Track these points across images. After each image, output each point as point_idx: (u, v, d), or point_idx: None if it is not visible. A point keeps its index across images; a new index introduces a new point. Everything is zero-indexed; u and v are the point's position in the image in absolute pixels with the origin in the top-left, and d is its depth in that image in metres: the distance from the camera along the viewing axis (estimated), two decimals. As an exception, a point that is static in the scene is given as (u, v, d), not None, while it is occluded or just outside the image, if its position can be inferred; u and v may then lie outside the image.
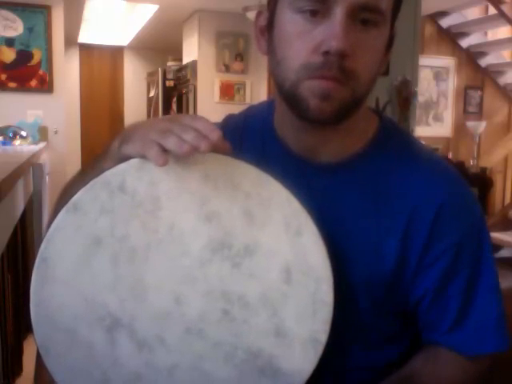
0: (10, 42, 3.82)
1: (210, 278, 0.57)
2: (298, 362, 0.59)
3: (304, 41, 0.59)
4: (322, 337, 0.59)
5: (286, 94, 0.63)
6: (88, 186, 0.57)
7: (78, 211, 0.57)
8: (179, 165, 0.57)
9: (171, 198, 0.57)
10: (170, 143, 0.54)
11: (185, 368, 0.58)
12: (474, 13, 4.95)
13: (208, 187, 0.57)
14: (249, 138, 0.74)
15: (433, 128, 4.99)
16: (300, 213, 0.59)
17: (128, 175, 0.57)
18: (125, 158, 0.58)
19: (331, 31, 0.57)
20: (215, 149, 0.57)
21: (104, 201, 0.57)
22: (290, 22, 0.60)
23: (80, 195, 0.57)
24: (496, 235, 3.98)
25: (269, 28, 0.65)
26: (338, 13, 0.57)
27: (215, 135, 0.54)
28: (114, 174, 0.57)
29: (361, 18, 0.58)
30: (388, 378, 0.67)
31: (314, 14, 0.58)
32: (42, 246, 0.57)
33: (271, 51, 0.64)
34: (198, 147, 0.53)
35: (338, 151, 0.68)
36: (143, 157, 0.56)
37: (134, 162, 0.57)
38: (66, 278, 0.57)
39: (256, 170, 0.59)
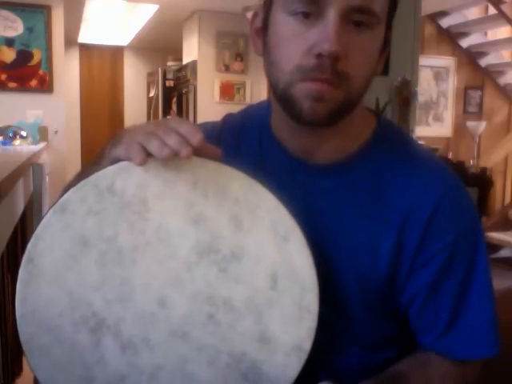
0: (10, 42, 3.82)
1: (196, 282, 0.58)
2: (282, 368, 0.59)
3: (297, 43, 0.59)
4: (306, 344, 0.59)
5: (279, 95, 0.63)
6: (77, 186, 0.57)
7: (65, 211, 0.57)
8: (168, 169, 0.57)
9: (159, 200, 0.57)
10: (153, 146, 0.54)
11: (168, 370, 0.58)
12: (474, 13, 4.94)
13: (196, 192, 0.58)
14: (246, 138, 0.74)
15: (433, 128, 4.99)
16: (288, 220, 0.59)
17: (117, 177, 0.57)
18: (115, 161, 0.58)
19: (324, 34, 0.57)
20: (206, 153, 0.58)
21: (92, 202, 0.57)
22: (284, 24, 0.60)
23: (68, 196, 0.57)
24: (496, 235, 3.98)
25: (263, 29, 0.65)
26: (331, 15, 0.57)
27: (196, 138, 0.54)
28: (103, 175, 0.57)
29: (354, 20, 0.58)
30: (373, 377, 0.66)
31: (307, 16, 0.58)
32: (30, 243, 0.57)
33: (266, 53, 0.64)
34: (179, 152, 0.54)
35: (335, 152, 0.68)
36: (128, 158, 0.56)
37: (123, 164, 0.57)
38: (53, 276, 0.57)
39: (245, 176, 0.59)
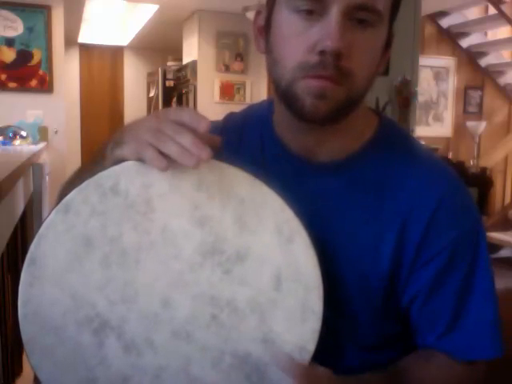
0: (9, 42, 3.82)
1: (200, 283, 0.57)
2: None
3: (300, 40, 0.59)
4: (310, 345, 0.59)
5: (282, 93, 0.63)
6: (80, 187, 0.57)
7: (69, 212, 0.57)
8: (173, 169, 0.56)
9: (164, 200, 0.57)
10: (171, 150, 0.53)
11: (171, 371, 0.58)
12: (474, 13, 4.95)
13: (201, 192, 0.57)
14: (248, 137, 0.74)
15: (433, 128, 4.99)
16: (292, 220, 0.59)
17: (121, 177, 0.57)
18: (118, 161, 0.57)
19: (327, 31, 0.57)
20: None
21: (96, 202, 0.56)
22: (287, 22, 0.60)
23: (72, 196, 0.57)
24: (496, 235, 3.98)
25: (266, 27, 0.65)
26: (334, 12, 0.57)
27: (203, 125, 0.54)
28: (107, 175, 0.57)
29: (357, 17, 0.58)
30: (378, 372, 0.66)
31: (310, 13, 0.58)
32: (33, 244, 0.57)
33: (269, 50, 0.64)
34: (200, 156, 0.52)
35: (336, 151, 0.68)
36: (139, 159, 0.56)
37: (127, 164, 0.57)
38: (56, 277, 0.57)
39: (250, 176, 0.59)
